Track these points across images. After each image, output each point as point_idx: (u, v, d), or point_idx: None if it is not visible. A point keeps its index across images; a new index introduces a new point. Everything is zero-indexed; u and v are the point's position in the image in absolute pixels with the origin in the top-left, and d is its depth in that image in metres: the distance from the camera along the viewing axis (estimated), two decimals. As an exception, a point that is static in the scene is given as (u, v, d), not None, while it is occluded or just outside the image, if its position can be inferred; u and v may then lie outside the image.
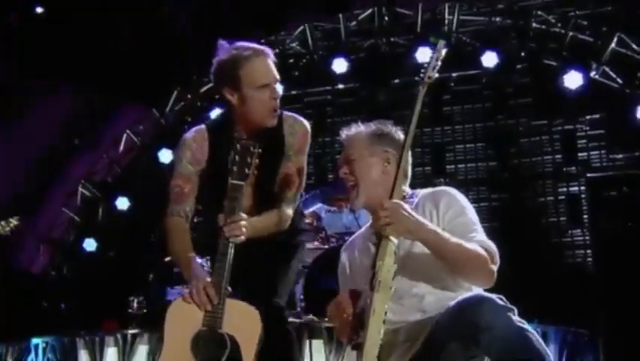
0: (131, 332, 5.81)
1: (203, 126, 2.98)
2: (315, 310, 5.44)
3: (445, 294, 2.43)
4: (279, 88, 2.90)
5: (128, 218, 8.64)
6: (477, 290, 2.47)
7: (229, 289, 2.60)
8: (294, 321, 5.31)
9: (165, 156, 8.38)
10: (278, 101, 2.87)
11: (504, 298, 2.19)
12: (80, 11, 7.68)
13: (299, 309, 5.86)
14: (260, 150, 2.68)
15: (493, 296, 2.19)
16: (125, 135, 8.72)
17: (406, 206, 2.37)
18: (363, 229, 2.83)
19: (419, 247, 2.44)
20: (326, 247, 6.24)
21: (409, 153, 2.55)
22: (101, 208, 8.83)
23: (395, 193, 2.41)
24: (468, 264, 2.38)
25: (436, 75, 2.46)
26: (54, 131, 8.13)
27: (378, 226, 2.36)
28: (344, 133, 2.70)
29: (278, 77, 2.89)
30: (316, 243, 6.20)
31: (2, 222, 5.09)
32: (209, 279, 2.61)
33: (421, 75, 2.45)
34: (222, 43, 2.97)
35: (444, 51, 2.48)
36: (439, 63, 2.46)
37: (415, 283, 2.44)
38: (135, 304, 6.41)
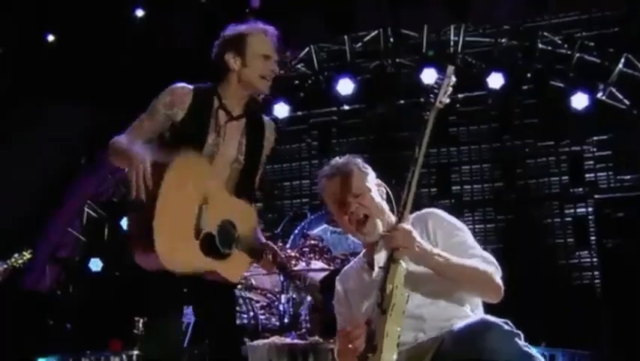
0: (136, 352, 5.79)
1: (190, 85, 3.02)
2: (320, 332, 5.42)
3: (446, 314, 2.45)
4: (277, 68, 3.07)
5: (133, 237, 8.62)
6: (478, 310, 2.53)
7: None
8: (299, 343, 5.29)
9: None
10: (273, 75, 3.02)
11: (510, 323, 2.21)
12: (84, 31, 7.74)
13: (304, 330, 5.84)
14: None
15: (500, 321, 2.22)
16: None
17: (415, 232, 2.41)
18: (355, 259, 2.86)
19: (419, 268, 2.45)
20: (331, 267, 6.22)
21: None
22: (107, 228, 8.83)
23: (404, 218, 2.42)
24: (476, 281, 2.45)
25: (448, 101, 2.49)
26: (60, 151, 8.16)
27: (390, 248, 2.38)
28: (333, 173, 2.69)
29: (277, 58, 3.06)
30: (321, 264, 6.18)
31: (16, 255, 5.28)
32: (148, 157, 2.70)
33: (432, 100, 2.46)
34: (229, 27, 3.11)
35: (453, 76, 2.50)
36: (450, 88, 2.49)
37: (415, 304, 2.43)
38: (140, 325, 6.38)
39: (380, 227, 2.61)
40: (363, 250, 2.79)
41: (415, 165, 2.45)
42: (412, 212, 2.56)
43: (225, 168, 2.96)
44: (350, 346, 2.37)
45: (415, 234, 2.40)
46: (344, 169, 2.68)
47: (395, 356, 2.27)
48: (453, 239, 2.53)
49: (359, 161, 2.72)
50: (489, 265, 2.47)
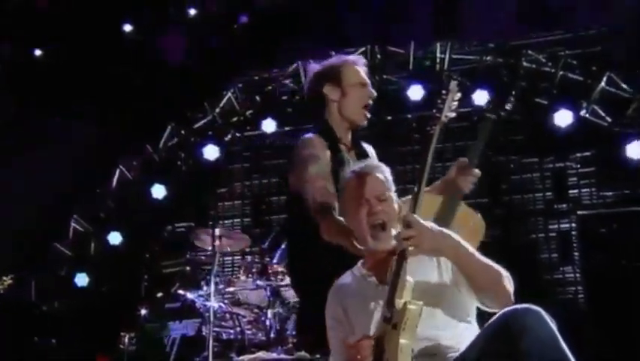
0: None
1: (313, 134, 3.12)
2: (306, 347, 5.42)
3: (459, 337, 2.44)
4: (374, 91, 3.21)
5: (121, 253, 8.63)
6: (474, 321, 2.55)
7: None
8: (286, 358, 5.30)
9: (158, 191, 8.42)
10: (371, 102, 3.20)
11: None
12: (76, 46, 7.78)
13: (290, 345, 5.85)
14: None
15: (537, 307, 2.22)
16: (117, 170, 8.74)
17: (428, 223, 2.41)
18: (351, 272, 2.77)
19: (430, 289, 2.47)
20: (318, 282, 6.24)
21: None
22: (94, 243, 8.81)
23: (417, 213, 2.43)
24: (490, 278, 2.44)
25: (453, 115, 2.57)
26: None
27: (402, 247, 2.38)
28: (364, 170, 2.67)
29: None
30: (308, 278, 6.18)
31: None
32: None
33: (437, 114, 2.54)
34: (312, 64, 3.30)
35: (458, 92, 2.60)
36: (455, 103, 2.57)
37: (427, 326, 2.39)
38: (127, 340, 6.38)
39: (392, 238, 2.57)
40: (361, 262, 2.73)
41: (421, 178, 2.48)
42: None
43: None
44: (359, 357, 2.34)
45: (429, 228, 2.37)
46: (376, 170, 2.67)
47: None
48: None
49: (388, 169, 2.72)
50: (502, 270, 2.47)
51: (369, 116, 3.19)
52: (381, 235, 2.57)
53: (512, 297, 2.46)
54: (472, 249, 2.44)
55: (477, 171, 3.15)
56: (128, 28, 8.55)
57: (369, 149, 3.35)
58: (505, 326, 2.16)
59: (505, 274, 2.47)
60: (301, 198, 3.02)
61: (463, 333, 2.46)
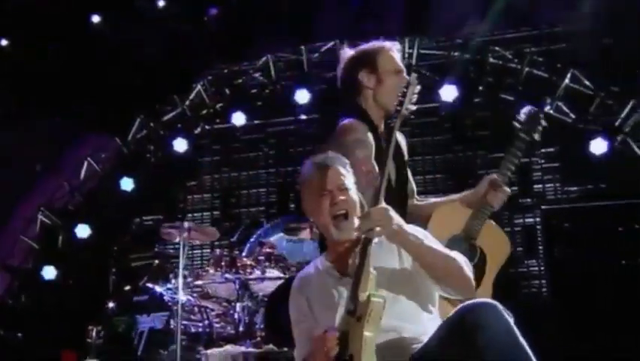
0: (89, 361, 5.77)
1: (353, 119, 3.06)
2: (274, 340, 5.46)
3: (422, 329, 2.47)
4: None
5: (89, 246, 8.58)
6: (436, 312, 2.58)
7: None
8: (254, 351, 5.34)
9: (127, 184, 8.39)
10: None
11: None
12: (43, 38, 7.70)
13: (259, 339, 5.88)
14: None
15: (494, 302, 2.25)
16: (86, 162, 8.68)
17: (392, 210, 2.44)
18: (314, 264, 2.80)
19: (393, 280, 2.50)
20: (286, 276, 6.27)
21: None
22: (61, 236, 8.75)
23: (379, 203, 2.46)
24: (449, 268, 2.47)
25: (414, 108, 2.60)
26: (15, 157, 8.08)
27: (367, 228, 2.41)
28: (324, 161, 2.68)
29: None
30: (276, 272, 6.23)
31: None
32: None
33: (398, 107, 2.56)
34: (345, 49, 3.26)
35: (417, 85, 2.63)
36: (415, 96, 2.60)
37: (390, 317, 2.41)
38: (94, 334, 6.35)
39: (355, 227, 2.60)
40: (324, 254, 2.76)
41: (383, 171, 2.49)
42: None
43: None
44: (325, 349, 2.35)
45: (393, 212, 2.42)
46: (337, 162, 2.68)
47: None
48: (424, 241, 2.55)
49: (347, 161, 2.73)
50: (459, 257, 2.50)
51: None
52: (344, 225, 2.59)
53: (472, 282, 2.50)
54: (429, 241, 2.48)
55: (507, 190, 3.12)
56: (96, 19, 8.47)
57: (402, 139, 3.27)
58: (462, 321, 2.20)
59: (462, 259, 2.50)
60: None
61: (426, 324, 2.49)
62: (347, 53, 3.21)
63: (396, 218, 2.43)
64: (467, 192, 3.20)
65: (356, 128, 2.99)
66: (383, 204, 2.43)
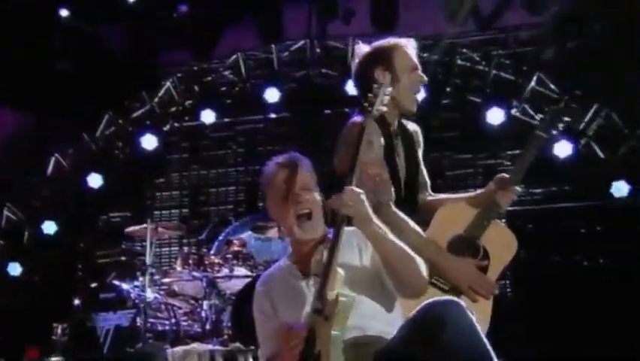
0: (53, 359, 5.73)
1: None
2: (241, 338, 5.48)
3: (386, 327, 2.49)
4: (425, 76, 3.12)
5: (55, 242, 8.50)
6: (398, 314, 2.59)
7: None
8: (221, 349, 5.35)
9: (94, 180, 8.33)
10: (421, 87, 3.11)
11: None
12: (8, 32, 7.61)
13: (225, 337, 5.89)
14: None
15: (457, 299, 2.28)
16: (53, 158, 8.60)
17: (363, 194, 2.46)
18: (278, 264, 2.81)
19: (356, 279, 2.51)
20: (254, 274, 6.29)
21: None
22: (27, 232, 8.66)
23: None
24: (406, 262, 2.47)
25: (385, 109, 2.60)
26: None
27: (338, 205, 2.43)
28: (288, 161, 2.71)
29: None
30: (244, 270, 6.24)
31: None
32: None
33: (369, 108, 2.57)
34: (360, 44, 3.19)
35: (389, 86, 2.64)
36: (387, 97, 2.59)
37: (356, 316, 2.43)
38: (59, 331, 6.31)
39: (320, 229, 2.63)
40: (289, 254, 2.77)
41: (353, 171, 2.49)
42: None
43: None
44: (291, 344, 2.36)
45: (364, 197, 2.43)
46: (300, 161, 2.70)
47: None
48: None
49: (309, 162, 2.74)
50: (418, 258, 2.51)
51: (417, 101, 3.10)
52: (308, 224, 2.61)
53: (426, 285, 2.53)
54: (393, 236, 2.49)
55: (518, 189, 3.05)
56: (64, 13, 8.39)
57: (417, 132, 3.26)
58: (425, 319, 2.22)
59: (420, 261, 2.52)
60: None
61: (391, 323, 2.51)
62: (362, 49, 3.16)
63: (367, 204, 2.45)
64: (479, 191, 3.16)
65: (374, 129, 2.93)
66: (354, 188, 2.44)
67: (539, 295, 6.30)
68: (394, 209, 2.83)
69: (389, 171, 2.94)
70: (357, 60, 3.15)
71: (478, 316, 2.71)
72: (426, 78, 3.11)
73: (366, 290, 2.53)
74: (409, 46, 3.12)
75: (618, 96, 7.07)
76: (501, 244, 2.95)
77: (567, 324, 5.97)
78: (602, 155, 7.36)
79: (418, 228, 2.85)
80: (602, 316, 5.86)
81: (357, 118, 2.96)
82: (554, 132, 3.09)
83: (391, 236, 2.48)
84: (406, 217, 2.84)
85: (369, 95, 2.60)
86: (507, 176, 3.06)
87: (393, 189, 2.89)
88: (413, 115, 3.16)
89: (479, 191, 3.15)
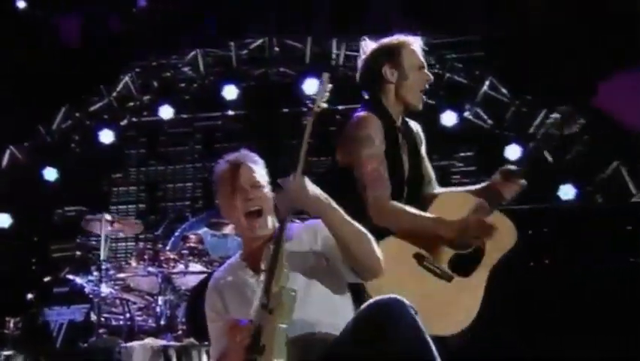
0: (5, 353, 5.71)
1: (368, 113, 3.01)
2: (195, 334, 5.52)
3: (334, 321, 2.50)
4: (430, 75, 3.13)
5: (9, 236, 8.43)
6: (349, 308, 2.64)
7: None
8: (175, 344, 5.39)
9: (49, 174, 8.28)
10: (428, 86, 3.10)
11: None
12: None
13: (180, 332, 5.93)
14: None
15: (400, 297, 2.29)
16: (8, 151, 8.52)
17: (310, 185, 2.48)
18: (230, 262, 2.82)
19: (305, 273, 2.56)
20: (209, 270, 6.33)
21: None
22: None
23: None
24: (362, 243, 2.48)
25: (325, 105, 2.60)
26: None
27: (284, 206, 2.47)
28: (237, 158, 2.72)
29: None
30: (199, 266, 6.29)
31: None
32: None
33: (310, 105, 2.58)
34: (367, 40, 3.18)
35: (329, 83, 2.62)
36: (327, 94, 2.59)
37: (303, 310, 2.44)
38: (12, 325, 6.28)
39: (270, 225, 2.64)
40: (239, 252, 2.79)
41: (296, 170, 2.48)
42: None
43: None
44: (237, 339, 2.38)
45: (307, 182, 2.45)
46: (249, 160, 2.71)
47: (285, 355, 2.29)
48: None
49: (261, 160, 2.76)
50: (370, 235, 2.50)
51: (423, 98, 3.09)
52: (258, 221, 2.63)
53: (381, 263, 2.54)
54: (347, 216, 2.51)
55: (523, 182, 3.03)
56: (22, 4, 8.32)
57: (417, 129, 3.24)
58: (371, 316, 2.27)
59: (372, 238, 2.54)
60: (350, 174, 2.95)
61: (339, 316, 2.54)
62: (369, 45, 3.16)
63: (312, 187, 2.47)
64: (484, 183, 3.14)
65: (369, 122, 2.95)
66: (299, 178, 2.46)
67: (505, 299, 6.41)
68: (392, 202, 2.84)
69: (393, 166, 2.96)
70: (363, 57, 3.17)
71: (463, 315, 2.88)
72: (432, 77, 3.13)
73: (316, 285, 2.58)
74: (416, 44, 3.12)
75: (567, 102, 7.29)
76: (499, 233, 2.93)
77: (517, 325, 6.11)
78: (549, 158, 7.57)
79: (418, 211, 2.87)
80: (548, 317, 6.02)
81: (361, 113, 3.02)
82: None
83: (347, 217, 2.48)
84: (405, 206, 2.86)
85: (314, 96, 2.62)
86: (513, 168, 3.05)
87: (394, 184, 2.90)
88: (417, 112, 3.17)
89: (484, 183, 3.14)
